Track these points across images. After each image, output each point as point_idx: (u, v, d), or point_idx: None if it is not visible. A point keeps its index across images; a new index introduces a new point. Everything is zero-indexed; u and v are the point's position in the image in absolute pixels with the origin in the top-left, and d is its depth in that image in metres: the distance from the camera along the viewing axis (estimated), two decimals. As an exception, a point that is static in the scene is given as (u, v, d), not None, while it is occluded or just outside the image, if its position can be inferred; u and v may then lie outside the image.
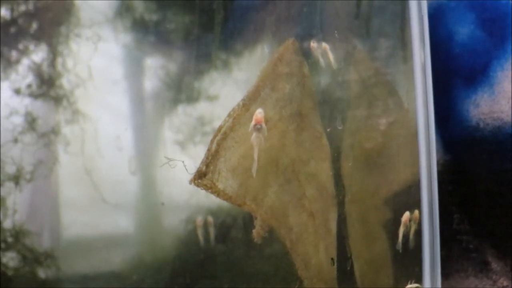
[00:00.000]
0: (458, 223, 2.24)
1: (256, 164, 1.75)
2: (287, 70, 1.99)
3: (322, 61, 2.11)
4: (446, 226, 2.08)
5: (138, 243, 2.79)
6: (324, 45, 2.09)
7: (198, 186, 1.80)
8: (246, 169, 1.84)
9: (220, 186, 1.83)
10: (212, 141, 1.83)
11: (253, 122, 1.76)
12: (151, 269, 2.59)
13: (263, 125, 1.76)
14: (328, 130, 2.03)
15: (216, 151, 1.82)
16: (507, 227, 2.13)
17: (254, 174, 1.75)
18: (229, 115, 1.86)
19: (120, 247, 2.76)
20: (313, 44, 2.08)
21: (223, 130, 1.84)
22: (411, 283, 1.93)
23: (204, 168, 1.80)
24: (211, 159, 1.81)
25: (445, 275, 2.09)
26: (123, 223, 2.78)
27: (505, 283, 2.15)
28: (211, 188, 1.81)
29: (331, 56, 2.09)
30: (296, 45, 2.03)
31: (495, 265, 2.17)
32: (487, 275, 2.19)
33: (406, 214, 1.98)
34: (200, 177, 1.79)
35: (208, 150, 1.82)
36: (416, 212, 1.97)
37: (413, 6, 2.09)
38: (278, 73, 1.97)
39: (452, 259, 2.22)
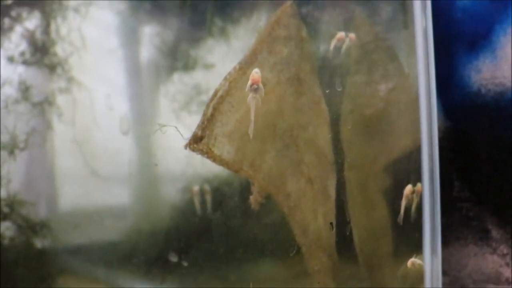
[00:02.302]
0: (459, 191, 2.21)
1: (253, 125, 1.71)
2: (285, 33, 1.95)
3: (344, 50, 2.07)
4: (446, 193, 2.06)
5: (134, 213, 2.78)
6: (352, 35, 2.06)
7: (193, 150, 1.77)
8: (243, 134, 1.80)
9: (216, 151, 1.80)
10: (208, 106, 1.80)
11: (249, 82, 1.72)
12: (147, 237, 2.58)
13: (260, 85, 1.72)
14: (327, 91, 1.99)
15: (212, 116, 1.79)
16: (508, 195, 2.10)
17: (251, 135, 1.72)
18: (225, 79, 1.83)
19: (116, 217, 2.75)
20: (341, 34, 2.05)
21: (219, 94, 1.80)
22: (415, 258, 1.91)
23: (199, 132, 1.77)
24: (207, 123, 1.78)
25: (444, 242, 2.07)
26: (119, 193, 2.77)
27: (505, 251, 2.13)
28: (207, 153, 1.78)
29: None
30: (294, 8, 1.98)
31: (495, 232, 2.15)
32: (487, 243, 2.17)
33: (409, 187, 1.95)
34: (196, 141, 1.76)
35: (204, 114, 1.79)
36: (419, 185, 1.94)
37: (414, -31, 2.04)
38: (276, 36, 1.92)
39: (452, 226, 2.20)
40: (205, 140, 1.77)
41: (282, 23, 1.95)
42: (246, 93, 1.76)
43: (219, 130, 1.79)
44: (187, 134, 1.81)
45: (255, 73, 1.72)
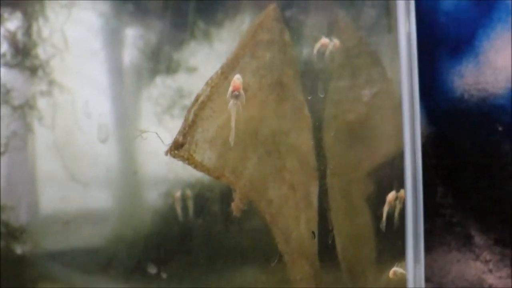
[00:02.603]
0: (442, 197, 2.21)
1: (233, 132, 1.69)
2: (268, 38, 1.93)
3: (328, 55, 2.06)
4: (429, 199, 2.04)
5: (115, 218, 2.75)
6: (336, 41, 2.04)
7: (174, 157, 1.75)
8: (225, 140, 1.78)
9: (198, 157, 1.77)
10: (189, 111, 1.78)
11: (230, 89, 1.70)
12: (127, 243, 2.55)
13: (241, 91, 1.70)
14: (309, 98, 1.98)
15: (193, 121, 1.77)
16: (491, 201, 2.11)
17: (232, 143, 1.70)
18: (206, 84, 1.81)
19: (98, 222, 2.71)
20: (325, 40, 2.03)
21: (200, 99, 1.78)
22: (397, 267, 1.90)
23: (180, 138, 1.74)
24: (188, 129, 1.76)
25: (427, 248, 2.06)
26: (99, 198, 2.73)
27: (488, 257, 2.13)
28: (188, 160, 1.76)
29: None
30: (278, 11, 1.97)
31: (478, 239, 2.15)
32: (470, 249, 2.17)
33: (392, 193, 1.94)
34: (177, 148, 1.74)
35: (185, 120, 1.77)
36: (402, 191, 1.92)
37: (398, -27, 2.03)
38: (258, 40, 1.91)
39: (435, 232, 2.20)
40: (186, 147, 1.74)
41: (265, 27, 1.94)
42: (227, 97, 1.74)
43: (200, 136, 1.77)
44: (169, 139, 1.79)
45: (237, 79, 1.70)
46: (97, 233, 2.68)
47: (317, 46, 2.03)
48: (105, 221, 2.73)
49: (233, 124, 1.69)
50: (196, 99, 1.78)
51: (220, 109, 1.79)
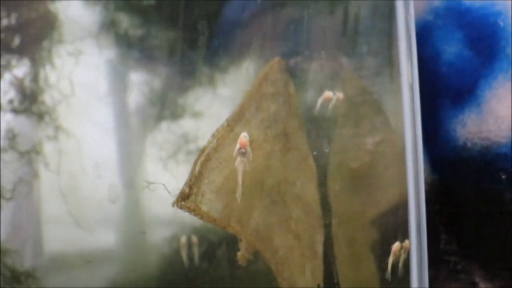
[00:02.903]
0: (446, 244, 2.22)
1: (240, 188, 1.71)
2: (273, 90, 1.96)
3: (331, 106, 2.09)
4: (433, 246, 2.05)
5: (121, 262, 2.74)
6: (339, 94, 2.08)
7: (181, 208, 1.77)
8: (231, 190, 1.80)
9: (204, 208, 1.80)
10: (195, 163, 1.80)
11: (237, 146, 1.73)
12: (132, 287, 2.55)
13: (248, 149, 1.73)
14: (315, 153, 2.00)
15: (200, 173, 1.79)
16: (495, 248, 2.12)
17: (239, 199, 1.72)
18: (213, 136, 1.83)
19: (103, 266, 2.71)
20: (328, 93, 2.06)
21: (206, 151, 1.81)
22: None
23: (187, 190, 1.77)
24: (195, 180, 1.78)
25: None
26: (106, 241, 2.74)
27: (493, 305, 2.13)
28: (195, 211, 1.78)
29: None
30: (282, 64, 2.00)
31: (483, 286, 2.15)
32: (475, 297, 2.17)
33: (396, 244, 1.95)
34: (183, 199, 1.76)
35: (192, 171, 1.79)
36: (407, 241, 1.94)
37: (400, 24, 2.06)
38: (263, 93, 1.94)
39: (440, 279, 2.20)
40: (192, 198, 1.77)
41: (269, 79, 1.97)
42: (233, 153, 1.76)
43: (206, 187, 1.79)
44: (174, 185, 1.81)
45: (243, 137, 1.73)
46: (101, 277, 2.67)
47: (320, 100, 2.06)
48: (110, 265, 2.72)
49: (240, 180, 1.72)
50: (202, 151, 1.80)
51: (226, 160, 1.82)
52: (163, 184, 1.73)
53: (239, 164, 1.73)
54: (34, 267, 2.65)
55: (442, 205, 2.21)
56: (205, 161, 1.79)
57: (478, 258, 2.17)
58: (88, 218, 2.64)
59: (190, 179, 1.77)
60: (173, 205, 1.76)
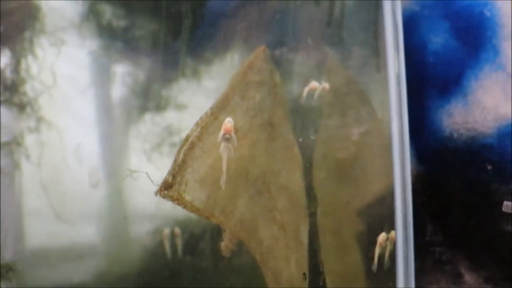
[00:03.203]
0: (431, 235, 2.21)
1: (225, 175, 1.68)
2: (258, 79, 1.94)
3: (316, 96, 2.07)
4: (419, 237, 2.04)
5: (103, 255, 2.71)
6: (325, 85, 2.06)
7: (164, 197, 1.73)
8: (215, 180, 1.78)
9: (187, 197, 1.76)
10: (179, 151, 1.77)
11: (222, 132, 1.70)
12: (116, 281, 2.51)
13: (233, 134, 1.70)
14: (300, 140, 1.98)
15: (183, 162, 1.76)
16: (481, 239, 2.11)
17: (223, 186, 1.69)
18: (196, 124, 1.80)
19: (86, 259, 2.68)
20: (314, 83, 2.04)
21: (190, 139, 1.78)
22: None
23: (170, 179, 1.73)
24: (178, 169, 1.75)
25: (418, 287, 2.05)
26: (88, 234, 2.70)
27: (478, 296, 2.12)
28: (178, 200, 1.75)
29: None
30: (267, 52, 1.98)
31: (468, 277, 2.15)
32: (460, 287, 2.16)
33: (382, 235, 1.94)
34: (166, 188, 1.73)
35: (175, 160, 1.76)
36: (393, 232, 1.92)
37: (387, 14, 2.05)
38: (249, 81, 1.91)
39: (425, 271, 2.19)
40: (175, 187, 1.73)
41: (255, 68, 1.94)
42: (218, 140, 1.73)
43: (190, 176, 1.76)
44: (158, 177, 1.78)
45: (228, 123, 1.70)
46: (83, 270, 2.64)
47: (306, 89, 2.03)
48: (92, 258, 2.69)
49: (224, 167, 1.69)
50: (186, 139, 1.77)
51: (210, 149, 1.79)
52: (146, 173, 1.69)
53: (224, 150, 1.70)
54: (14, 261, 2.61)
55: (428, 196, 2.20)
56: (188, 149, 1.76)
57: (463, 249, 2.16)
58: (70, 211, 2.61)
59: (173, 168, 1.74)
60: (156, 194, 1.72)
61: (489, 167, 2.09)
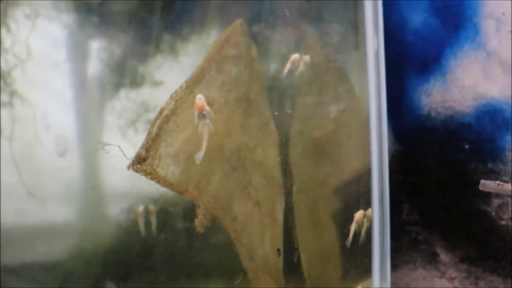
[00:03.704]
0: (408, 214, 2.20)
1: (203, 153, 1.65)
2: (235, 52, 1.90)
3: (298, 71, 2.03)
4: (395, 216, 2.05)
5: (75, 233, 2.67)
6: (307, 58, 2.02)
7: (137, 171, 1.70)
8: (189, 155, 1.75)
9: (161, 172, 1.73)
10: (152, 125, 1.74)
11: (196, 111, 1.66)
12: (89, 259, 2.48)
13: (208, 108, 1.66)
14: (276, 113, 1.95)
15: (157, 135, 1.72)
16: (457, 219, 2.11)
17: (198, 162, 1.65)
18: (171, 97, 1.77)
19: (56, 237, 2.64)
20: (296, 56, 2.01)
21: (164, 113, 1.74)
22: (361, 286, 1.88)
23: (143, 152, 1.70)
24: (152, 143, 1.71)
25: (393, 266, 2.07)
26: (61, 211, 2.66)
27: (453, 275, 2.12)
28: (151, 174, 1.71)
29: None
30: (245, 26, 1.94)
31: (443, 256, 2.14)
32: (435, 267, 2.17)
33: (360, 213, 1.93)
34: (139, 162, 1.69)
35: (149, 133, 1.72)
36: (370, 210, 1.91)
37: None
38: (225, 55, 1.88)
39: (401, 250, 2.19)
40: (149, 161, 1.70)
41: (232, 42, 1.91)
42: (195, 122, 1.70)
43: (163, 150, 1.73)
44: (133, 153, 1.74)
45: (199, 100, 1.66)
46: (55, 248, 2.60)
47: (288, 65, 2.00)
48: (64, 236, 2.65)
49: (204, 144, 1.65)
50: (160, 113, 1.74)
51: (184, 123, 1.75)
52: (119, 146, 1.65)
53: (203, 127, 1.66)
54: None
55: (404, 175, 2.19)
56: (162, 123, 1.72)
57: (439, 229, 2.16)
58: (42, 188, 2.57)
59: (146, 142, 1.71)
60: (128, 167, 1.69)
61: (466, 146, 2.09)
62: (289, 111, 1.99)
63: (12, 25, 2.60)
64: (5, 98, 2.57)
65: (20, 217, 2.59)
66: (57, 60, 2.64)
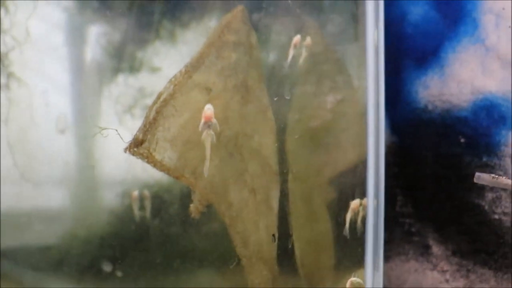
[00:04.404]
0: (401, 206, 2.22)
1: (208, 163, 1.67)
2: (234, 39, 1.91)
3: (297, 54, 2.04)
4: (389, 208, 2.06)
5: (69, 218, 2.68)
6: (308, 40, 2.02)
7: (133, 154, 1.71)
8: (186, 140, 1.76)
9: (157, 156, 1.74)
10: (150, 108, 1.74)
11: (203, 120, 1.67)
12: (81, 243, 2.48)
13: (214, 120, 1.67)
14: (275, 99, 1.95)
15: (155, 119, 1.73)
16: (450, 212, 2.13)
17: (206, 174, 1.68)
18: (170, 82, 1.77)
19: (51, 221, 2.64)
20: (297, 38, 2.01)
21: (163, 97, 1.75)
22: (354, 277, 1.89)
23: (141, 136, 1.71)
24: (149, 127, 1.72)
25: (386, 257, 2.09)
26: (54, 196, 2.67)
27: (445, 267, 2.14)
28: (148, 158, 1.72)
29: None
30: (245, 13, 1.94)
31: (436, 249, 2.16)
32: (427, 259, 2.18)
33: (356, 201, 1.94)
34: (136, 145, 1.70)
35: (146, 117, 1.73)
36: (366, 199, 1.92)
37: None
38: (225, 40, 1.88)
39: (394, 241, 2.20)
40: (146, 144, 1.71)
41: (232, 28, 1.91)
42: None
43: (161, 135, 1.74)
44: (129, 138, 1.75)
45: (208, 110, 1.68)
46: (49, 232, 2.61)
47: (291, 50, 2.00)
48: (59, 220, 2.66)
49: (208, 154, 1.67)
50: (158, 97, 1.75)
51: (183, 108, 1.76)
52: (116, 130, 1.66)
53: (206, 137, 1.68)
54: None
55: (400, 167, 2.20)
56: (160, 107, 1.73)
57: (432, 221, 2.17)
58: (36, 171, 2.57)
59: (144, 125, 1.72)
60: (125, 151, 1.69)
61: (462, 140, 2.10)
62: (287, 98, 2.00)
63: (11, 6, 2.60)
64: (2, 80, 2.57)
65: (14, 202, 2.59)
66: (55, 43, 2.64)
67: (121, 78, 2.63)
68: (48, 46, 2.63)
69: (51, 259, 2.49)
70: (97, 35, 2.68)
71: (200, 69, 1.79)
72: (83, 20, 2.69)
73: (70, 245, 2.50)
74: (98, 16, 2.70)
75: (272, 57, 2.15)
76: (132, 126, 2.44)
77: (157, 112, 1.72)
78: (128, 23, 2.62)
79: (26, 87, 2.58)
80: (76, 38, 2.72)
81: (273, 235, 1.90)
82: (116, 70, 2.63)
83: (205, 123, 1.68)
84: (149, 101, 2.52)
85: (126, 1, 2.58)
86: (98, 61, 2.70)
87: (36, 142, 2.57)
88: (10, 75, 2.58)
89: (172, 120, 1.75)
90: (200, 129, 1.68)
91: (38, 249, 2.56)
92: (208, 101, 1.76)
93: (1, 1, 2.61)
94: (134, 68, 2.61)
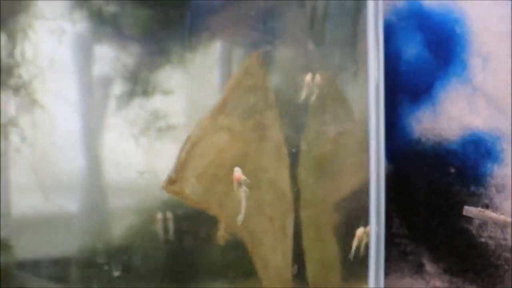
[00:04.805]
0: (398, 228, 2.40)
1: (243, 214, 1.88)
2: (251, 83, 2.10)
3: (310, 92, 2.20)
4: (386, 229, 2.22)
5: (85, 230, 2.78)
6: (318, 78, 2.18)
7: (168, 192, 1.92)
8: (212, 175, 1.97)
9: (188, 191, 1.96)
10: (181, 150, 1.95)
11: (235, 182, 1.88)
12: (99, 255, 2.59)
13: (243, 178, 1.88)
14: (294, 150, 2.15)
15: (185, 160, 1.94)
16: (442, 234, 2.30)
17: (240, 222, 1.88)
18: (197, 125, 1.98)
19: (70, 233, 2.74)
20: (309, 77, 2.17)
21: (191, 139, 1.95)
22: None
23: (174, 175, 1.92)
24: (180, 167, 1.93)
25: (384, 274, 2.23)
26: (72, 209, 2.76)
27: (437, 284, 2.32)
28: (180, 194, 1.94)
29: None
30: (261, 58, 2.13)
31: (429, 267, 2.34)
32: (421, 276, 2.36)
33: (360, 230, 2.13)
34: (171, 183, 1.91)
35: (178, 158, 1.94)
36: (368, 227, 2.13)
37: (370, 23, 2.20)
38: (244, 86, 2.08)
39: (391, 260, 2.37)
40: (178, 183, 1.92)
41: (249, 73, 2.11)
42: (216, 140, 1.92)
43: (190, 173, 1.95)
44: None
45: (237, 172, 1.88)
46: (67, 245, 2.70)
47: (305, 89, 2.17)
48: (73, 231, 2.75)
49: (243, 208, 1.87)
50: (188, 139, 1.95)
51: (209, 148, 1.98)
52: (153, 173, 1.87)
53: (242, 193, 1.88)
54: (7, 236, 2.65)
55: (395, 193, 2.36)
56: (190, 149, 1.94)
57: (426, 242, 2.34)
58: (58, 192, 2.68)
59: (176, 166, 1.93)
60: (162, 188, 1.91)
61: (452, 170, 2.27)
62: (293, 151, 2.20)
63: (33, 36, 2.72)
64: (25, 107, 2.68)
65: (32, 212, 2.69)
66: (70, 68, 2.76)
67: (136, 101, 2.76)
68: (64, 72, 2.75)
69: (63, 269, 2.61)
70: (112, 60, 2.80)
71: (223, 113, 2.00)
72: (97, 45, 2.81)
73: (88, 258, 2.60)
74: (112, 41, 2.82)
75: (286, 94, 2.33)
76: (148, 148, 2.60)
77: (187, 153, 1.94)
78: (140, 48, 2.76)
79: (47, 113, 2.70)
80: (89, 62, 2.84)
81: (295, 265, 2.11)
82: (131, 94, 2.76)
83: (237, 183, 1.89)
84: (162, 123, 2.69)
85: (139, 28, 2.72)
86: (113, 86, 2.82)
87: (57, 163, 2.70)
88: (32, 102, 2.70)
89: (200, 159, 1.96)
90: (235, 189, 1.89)
91: (53, 261, 2.67)
92: (230, 141, 1.97)
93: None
94: (147, 91, 2.75)
